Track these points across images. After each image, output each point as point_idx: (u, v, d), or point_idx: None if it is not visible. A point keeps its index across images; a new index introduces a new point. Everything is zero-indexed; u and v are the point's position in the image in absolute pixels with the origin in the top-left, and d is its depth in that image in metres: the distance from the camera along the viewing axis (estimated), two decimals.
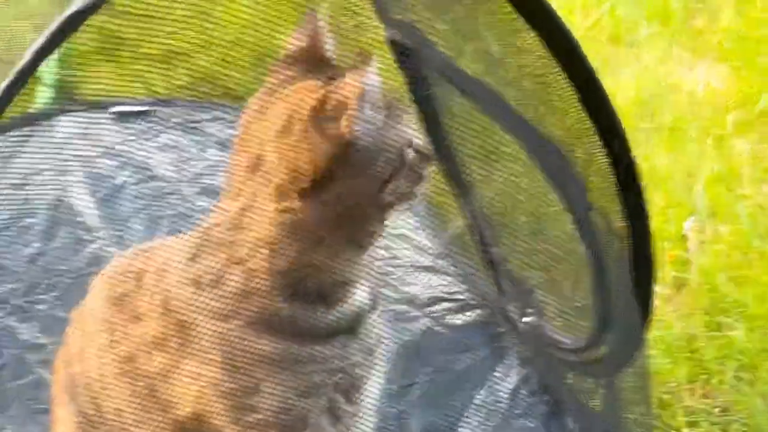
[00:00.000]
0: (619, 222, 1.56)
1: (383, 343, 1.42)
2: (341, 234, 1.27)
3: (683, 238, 2.32)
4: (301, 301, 1.30)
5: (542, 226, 1.80)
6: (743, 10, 3.32)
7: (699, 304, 2.17)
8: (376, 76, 1.22)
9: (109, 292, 1.44)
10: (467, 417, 1.92)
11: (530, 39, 1.34)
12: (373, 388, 1.45)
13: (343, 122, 1.20)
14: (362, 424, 1.45)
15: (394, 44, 1.64)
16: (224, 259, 1.29)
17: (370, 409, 1.46)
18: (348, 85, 1.20)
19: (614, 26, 3.25)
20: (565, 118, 1.46)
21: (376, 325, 1.39)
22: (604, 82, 2.79)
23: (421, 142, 1.29)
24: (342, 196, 1.24)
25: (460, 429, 1.90)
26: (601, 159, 1.47)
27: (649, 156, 2.62)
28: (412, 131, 1.27)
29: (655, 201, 2.47)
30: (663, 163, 2.61)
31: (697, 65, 3.10)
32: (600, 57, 3.08)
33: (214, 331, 1.30)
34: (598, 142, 1.42)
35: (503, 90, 1.56)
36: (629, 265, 1.61)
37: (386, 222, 1.29)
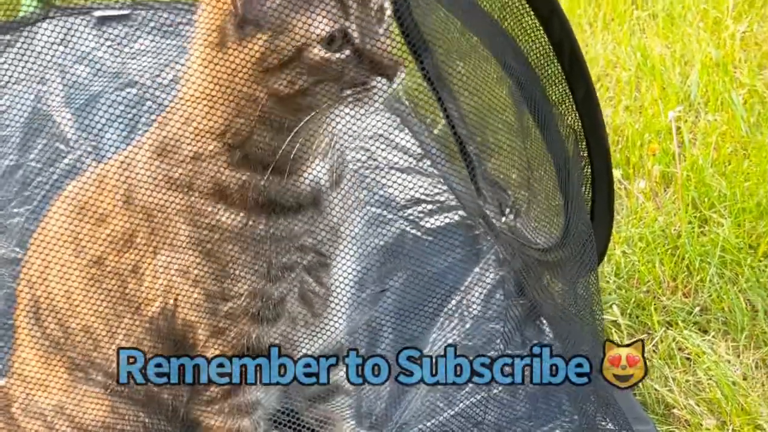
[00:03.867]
0: (570, 115, 1.50)
1: (350, 222, 1.42)
2: (269, 105, 1.24)
3: (674, 130, 2.24)
4: (250, 168, 1.28)
5: (516, 127, 1.75)
6: None
7: (685, 199, 2.09)
8: None
9: (70, 205, 1.43)
10: (440, 322, 1.88)
11: None
12: (344, 272, 1.44)
13: None
14: (335, 311, 1.45)
15: None
16: (177, 126, 1.30)
17: (340, 295, 1.45)
18: None
19: None
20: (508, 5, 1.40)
21: (339, 203, 1.37)
22: None
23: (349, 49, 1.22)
24: (248, 64, 1.22)
25: (432, 335, 1.86)
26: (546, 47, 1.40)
27: (642, 45, 2.53)
28: (335, 30, 1.21)
29: (648, 94, 2.39)
30: (657, 52, 2.52)
31: None
32: None
33: (176, 207, 1.30)
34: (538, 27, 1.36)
35: None
36: (585, 164, 1.56)
37: (324, 109, 1.23)
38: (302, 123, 1.24)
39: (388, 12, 1.27)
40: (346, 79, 1.22)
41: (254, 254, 1.32)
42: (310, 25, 1.19)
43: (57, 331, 1.45)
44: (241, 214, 1.30)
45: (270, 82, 1.22)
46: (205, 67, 1.25)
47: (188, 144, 1.30)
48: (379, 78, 1.22)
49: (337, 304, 1.45)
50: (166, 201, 1.32)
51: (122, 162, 1.39)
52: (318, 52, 1.20)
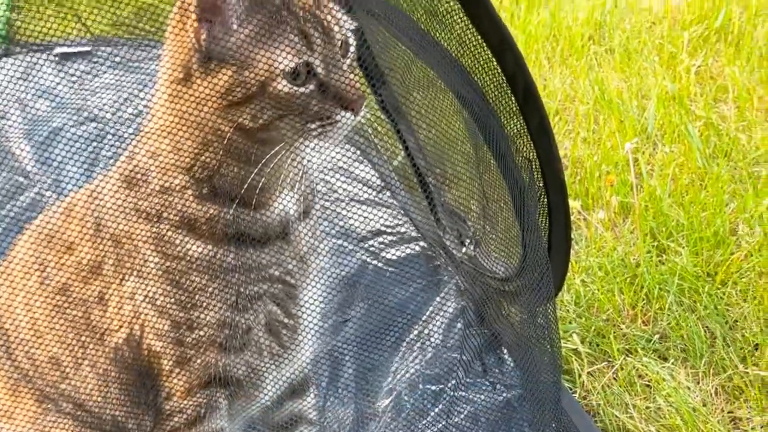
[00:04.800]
0: (526, 147, 1.52)
1: (318, 253, 1.43)
2: (235, 139, 1.25)
3: (631, 162, 2.26)
4: (218, 201, 1.29)
5: (474, 159, 1.77)
6: None
7: (643, 229, 2.12)
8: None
9: (38, 235, 1.43)
10: (401, 352, 1.89)
11: None
12: (311, 303, 1.44)
13: (188, 25, 1.21)
14: (302, 342, 1.45)
15: None
16: (145, 160, 1.31)
17: (309, 327, 1.45)
18: None
19: None
20: (464, 41, 1.42)
21: (308, 234, 1.38)
22: (558, 5, 2.74)
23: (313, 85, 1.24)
24: (214, 99, 1.23)
25: (393, 365, 1.87)
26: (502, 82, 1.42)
27: (600, 79, 2.56)
28: (299, 64, 1.22)
29: (606, 126, 2.42)
30: (614, 86, 2.55)
31: None
32: None
33: (144, 236, 1.30)
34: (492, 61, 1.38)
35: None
36: (541, 194, 1.58)
37: (293, 144, 1.25)
38: (268, 156, 1.25)
39: (353, 47, 1.29)
40: (311, 112, 1.23)
41: (222, 284, 1.33)
42: (273, 59, 1.20)
43: (25, 362, 1.45)
44: (210, 246, 1.31)
45: (235, 116, 1.23)
46: (171, 102, 1.26)
47: (156, 177, 1.31)
48: (343, 112, 1.24)
49: (304, 336, 1.46)
50: (134, 230, 1.32)
51: (92, 192, 1.39)
52: (282, 86, 1.21)
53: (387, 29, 1.64)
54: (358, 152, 2.26)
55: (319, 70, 1.23)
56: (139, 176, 1.32)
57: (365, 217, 2.16)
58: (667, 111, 2.44)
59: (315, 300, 1.46)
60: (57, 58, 2.55)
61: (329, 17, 1.25)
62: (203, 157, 1.27)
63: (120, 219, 1.33)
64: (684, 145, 2.34)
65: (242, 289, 1.34)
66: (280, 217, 1.34)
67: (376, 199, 2.21)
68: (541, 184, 1.61)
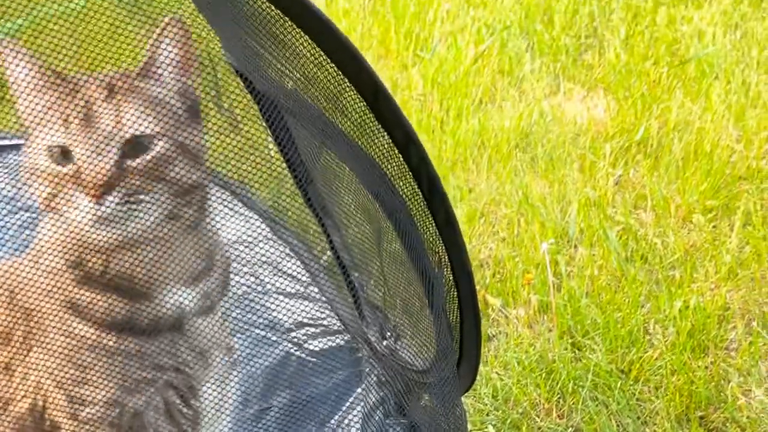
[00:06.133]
0: (435, 243, 1.57)
1: (221, 348, 1.45)
2: None
3: (551, 262, 2.33)
4: (95, 289, 1.32)
5: (397, 255, 1.81)
6: (630, 44, 3.39)
7: (560, 326, 2.18)
8: None
9: None
10: None
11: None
12: (214, 395, 1.46)
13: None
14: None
15: (235, 70, 1.65)
16: (39, 239, 1.37)
17: (213, 418, 1.47)
18: None
19: (501, 59, 3.29)
20: (374, 137, 1.47)
21: (210, 329, 1.41)
22: (487, 114, 2.84)
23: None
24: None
25: None
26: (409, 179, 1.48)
27: (524, 185, 2.65)
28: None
29: (529, 229, 2.50)
30: (538, 192, 2.64)
31: (582, 97, 3.15)
32: (485, 88, 3.13)
33: (44, 310, 1.33)
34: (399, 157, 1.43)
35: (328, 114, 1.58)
36: (450, 287, 1.62)
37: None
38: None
39: (152, 152, 1.33)
40: (64, 192, 1.30)
41: (107, 365, 1.36)
42: (38, 135, 1.29)
43: None
44: (91, 328, 1.34)
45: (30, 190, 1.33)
46: None
47: (45, 257, 1.36)
48: (81, 196, 1.29)
49: (207, 427, 1.48)
50: (38, 304, 1.36)
51: (11, 265, 1.43)
52: (43, 161, 1.29)
53: (308, 127, 1.70)
54: (288, 248, 2.31)
55: (76, 154, 1.29)
56: (38, 255, 1.37)
57: (291, 310, 2.19)
58: (587, 216, 2.52)
59: (221, 393, 1.48)
60: None
61: (110, 111, 1.31)
62: (66, 244, 1.33)
63: (29, 292, 1.37)
64: (603, 248, 2.42)
65: (127, 373, 1.37)
66: (172, 310, 1.37)
67: (302, 293, 2.25)
68: (450, 276, 1.66)
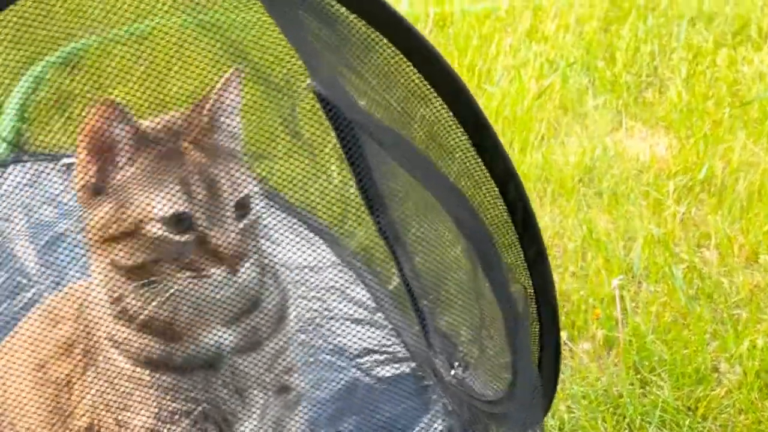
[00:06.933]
0: (522, 275, 1.58)
1: (264, 387, 1.46)
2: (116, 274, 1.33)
3: (617, 298, 2.34)
4: (132, 327, 1.35)
5: (469, 283, 1.82)
6: (691, 84, 3.40)
7: (627, 362, 2.18)
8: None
9: (41, 308, 1.49)
10: None
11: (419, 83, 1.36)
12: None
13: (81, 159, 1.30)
14: None
15: (318, 95, 1.67)
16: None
17: None
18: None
19: (563, 95, 3.31)
20: (466, 169, 1.49)
21: (250, 367, 1.41)
22: (550, 148, 2.85)
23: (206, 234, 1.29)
24: (95, 231, 1.33)
25: None
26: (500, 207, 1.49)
27: (588, 219, 2.66)
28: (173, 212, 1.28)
29: (593, 263, 2.50)
30: (602, 227, 2.64)
31: (644, 134, 3.16)
32: (548, 123, 3.14)
33: (97, 334, 1.35)
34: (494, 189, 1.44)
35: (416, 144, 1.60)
36: (533, 321, 1.63)
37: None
38: (149, 296, 1.31)
39: (253, 213, 1.35)
40: (184, 262, 1.30)
41: (143, 396, 1.38)
42: (150, 202, 1.28)
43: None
44: (128, 362, 1.37)
45: (112, 252, 1.30)
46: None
47: (95, 288, 1.38)
48: (216, 268, 1.30)
49: None
50: (94, 326, 1.38)
51: (85, 282, 1.45)
52: (157, 229, 1.28)
53: (389, 152, 1.71)
54: (354, 275, 2.33)
55: (200, 222, 1.29)
56: (93, 282, 1.39)
57: (358, 336, 2.21)
58: (652, 252, 2.53)
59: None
60: (64, 168, 2.62)
61: (222, 174, 1.31)
62: (109, 283, 1.34)
63: (88, 314, 1.40)
64: (668, 285, 2.42)
65: (162, 404, 1.38)
66: (207, 351, 1.38)
67: (369, 319, 2.26)
68: (534, 311, 1.67)
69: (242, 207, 1.33)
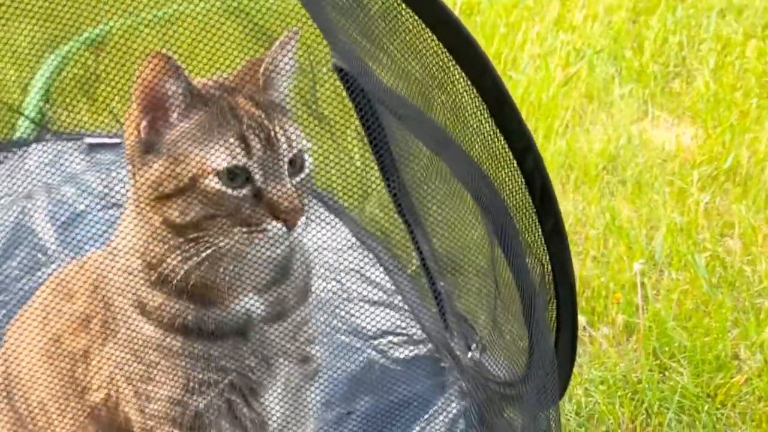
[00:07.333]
0: (540, 251, 1.56)
1: (289, 356, 1.45)
2: (167, 233, 1.30)
3: (638, 282, 2.32)
4: (166, 291, 1.33)
5: (487, 266, 1.80)
6: (719, 75, 3.36)
7: (647, 348, 2.16)
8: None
9: (52, 282, 1.48)
10: None
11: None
12: (286, 404, 1.47)
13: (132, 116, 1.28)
14: None
15: (338, 70, 1.66)
16: (119, 239, 1.38)
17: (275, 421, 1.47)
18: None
19: (590, 83, 3.28)
20: (484, 141, 1.47)
21: (277, 336, 1.40)
22: (575, 136, 2.83)
23: (269, 190, 1.28)
24: (147, 190, 1.29)
25: None
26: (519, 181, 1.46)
27: (611, 207, 2.63)
28: (232, 164, 1.27)
29: (615, 250, 2.48)
30: (625, 215, 2.62)
31: (669, 124, 3.13)
32: (574, 111, 3.12)
33: (118, 306, 1.34)
34: (513, 163, 1.42)
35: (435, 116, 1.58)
36: (551, 298, 1.61)
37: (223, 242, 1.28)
38: (203, 256, 1.28)
39: (306, 169, 1.33)
40: (241, 216, 1.27)
41: (171, 365, 1.36)
42: (207, 156, 1.25)
43: (22, 405, 1.49)
44: (158, 329, 1.35)
45: (164, 210, 1.27)
46: (130, 188, 1.32)
47: (122, 257, 1.36)
48: (274, 222, 1.27)
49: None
50: (114, 299, 1.37)
51: (102, 253, 1.44)
52: (214, 183, 1.25)
53: (408, 126, 1.69)
54: (373, 257, 2.32)
55: (257, 176, 1.27)
56: (116, 252, 1.37)
57: (375, 318, 2.20)
58: (674, 240, 2.50)
59: (278, 402, 1.47)
60: (86, 147, 2.62)
61: (278, 129, 1.29)
62: (150, 246, 1.31)
63: (109, 285, 1.38)
64: (690, 273, 2.40)
65: (191, 374, 1.37)
66: (238, 317, 1.37)
67: (387, 301, 2.25)
68: (551, 288, 1.66)
69: (296, 163, 1.32)
